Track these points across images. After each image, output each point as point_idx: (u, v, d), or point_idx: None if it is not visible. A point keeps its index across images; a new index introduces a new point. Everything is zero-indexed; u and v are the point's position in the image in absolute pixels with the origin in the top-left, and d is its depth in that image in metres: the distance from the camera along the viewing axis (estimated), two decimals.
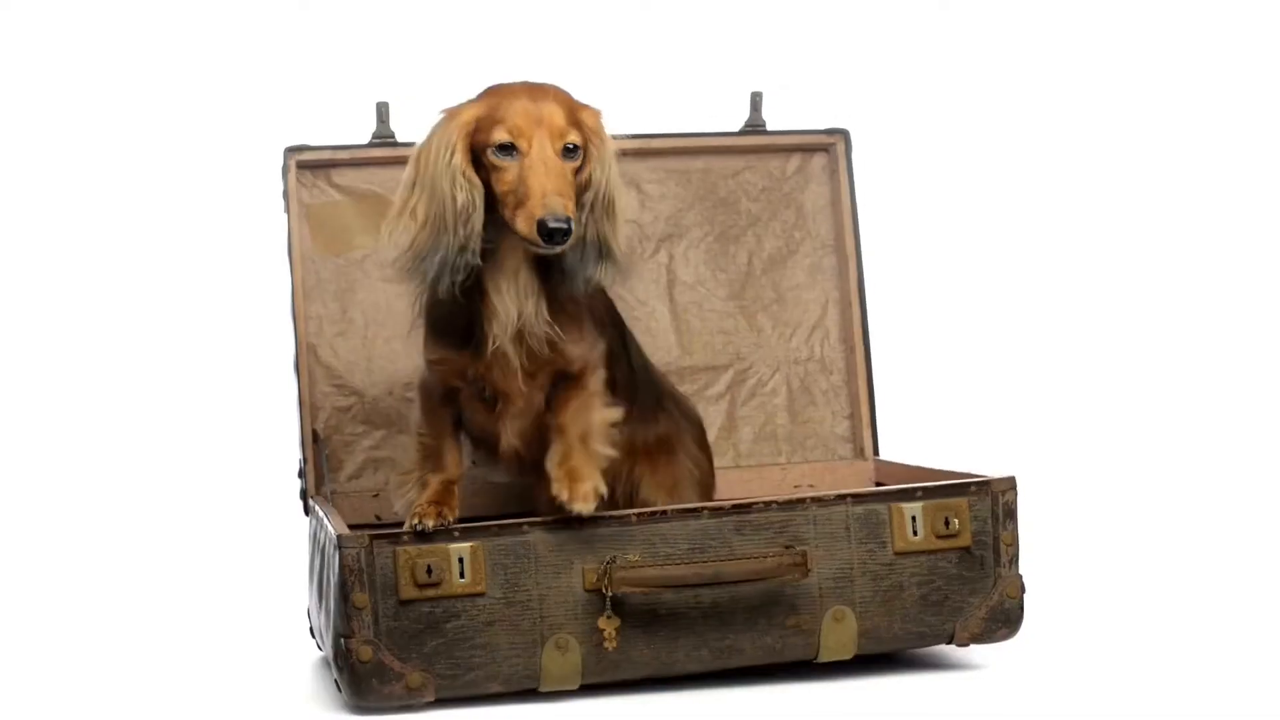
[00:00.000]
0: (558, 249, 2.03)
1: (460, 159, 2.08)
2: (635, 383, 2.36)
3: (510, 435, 2.21)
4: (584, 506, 2.10)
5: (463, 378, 2.19)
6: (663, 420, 2.40)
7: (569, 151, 2.07)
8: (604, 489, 2.13)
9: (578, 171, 2.09)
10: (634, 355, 2.39)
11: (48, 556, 3.12)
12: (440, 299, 2.12)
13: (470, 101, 2.13)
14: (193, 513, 3.23)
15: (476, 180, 2.09)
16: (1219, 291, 3.59)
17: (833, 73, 3.37)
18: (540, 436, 2.20)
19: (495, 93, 2.11)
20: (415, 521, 2.09)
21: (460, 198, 2.07)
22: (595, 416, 2.18)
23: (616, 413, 2.22)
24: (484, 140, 2.08)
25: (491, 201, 2.09)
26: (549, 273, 2.12)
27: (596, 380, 2.20)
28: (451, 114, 2.12)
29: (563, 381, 2.18)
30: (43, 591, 2.93)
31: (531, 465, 2.24)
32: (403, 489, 2.27)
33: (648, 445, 2.37)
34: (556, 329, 2.13)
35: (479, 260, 2.08)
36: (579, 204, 2.09)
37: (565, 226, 2.00)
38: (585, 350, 2.19)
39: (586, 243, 2.10)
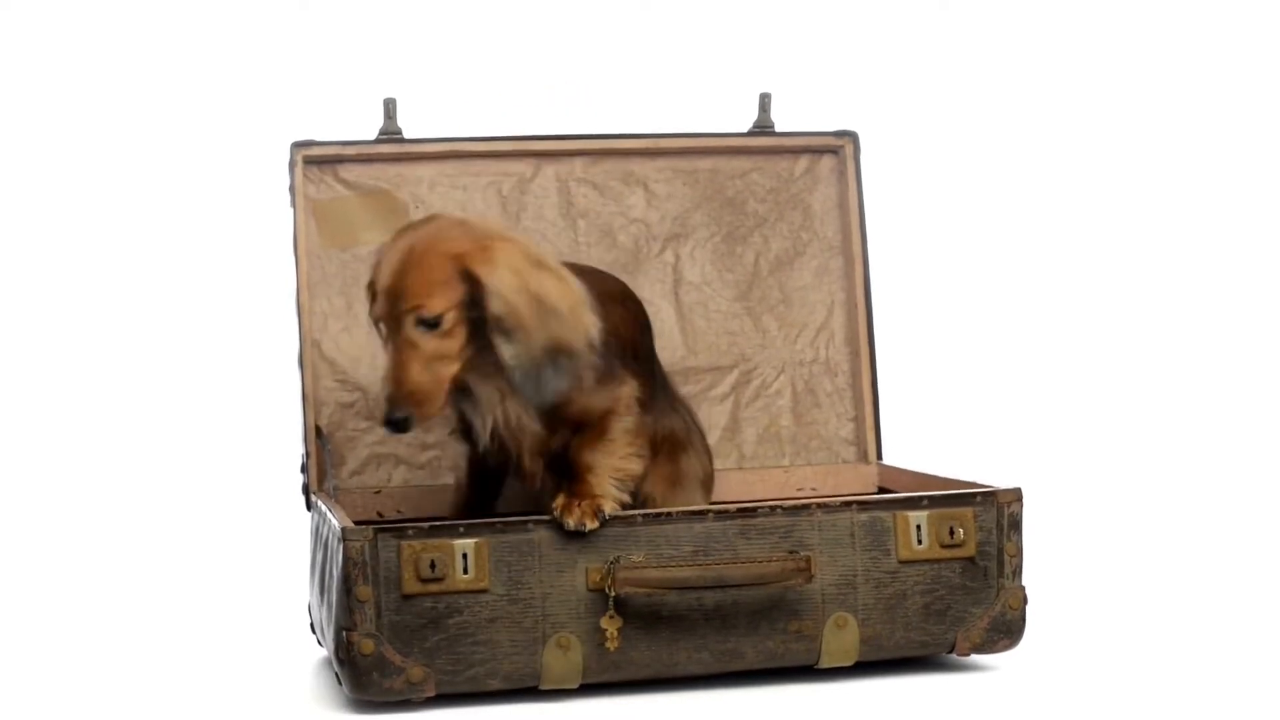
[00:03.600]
0: (404, 434, 2.14)
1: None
2: (654, 386, 2.37)
3: (535, 482, 2.24)
4: (572, 521, 2.11)
5: None
6: (674, 418, 2.41)
7: (428, 324, 2.06)
8: (604, 514, 2.13)
9: (470, 314, 2.08)
10: (657, 363, 2.41)
11: (46, 553, 3.11)
12: None
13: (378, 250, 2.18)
14: (194, 507, 3.23)
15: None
16: (1227, 299, 3.59)
17: (842, 75, 3.37)
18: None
19: (384, 248, 2.14)
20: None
21: None
22: (613, 460, 2.20)
23: (638, 464, 2.24)
24: None
25: None
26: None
27: (620, 427, 2.21)
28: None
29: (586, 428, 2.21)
30: (40, 589, 2.92)
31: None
32: None
33: (656, 438, 2.36)
34: (539, 424, 2.17)
35: None
36: (507, 333, 2.08)
37: (400, 418, 2.05)
38: (605, 400, 2.20)
39: (526, 368, 2.09)
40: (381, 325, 2.11)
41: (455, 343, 2.07)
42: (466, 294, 2.06)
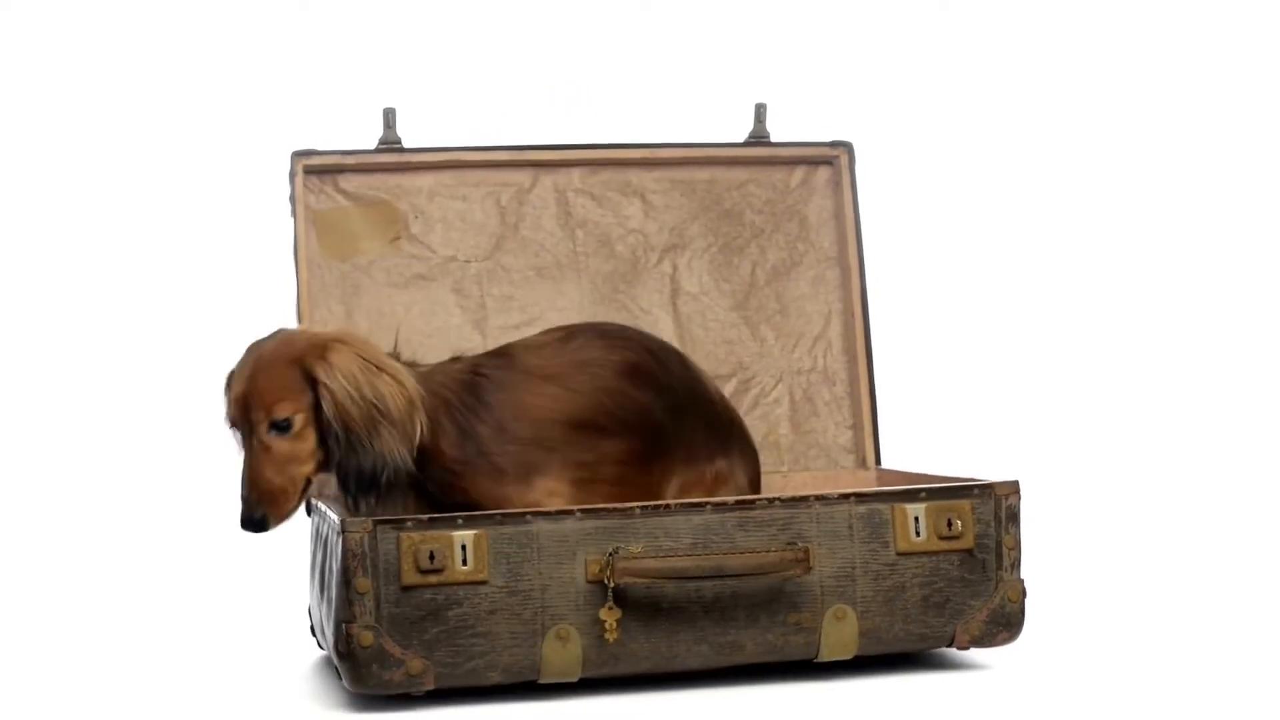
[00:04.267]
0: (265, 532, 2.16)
1: None
2: (684, 421, 2.34)
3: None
4: None
5: None
6: (719, 462, 2.37)
7: (280, 428, 2.13)
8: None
9: (318, 410, 2.13)
10: (678, 378, 2.36)
11: (49, 558, 3.12)
12: None
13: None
14: (196, 511, 3.23)
15: None
16: (1217, 305, 3.61)
17: (837, 85, 3.39)
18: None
19: (239, 359, 2.20)
20: None
21: None
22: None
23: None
24: None
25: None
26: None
27: None
28: None
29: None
30: (42, 593, 2.93)
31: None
32: None
33: (705, 482, 2.35)
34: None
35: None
36: (350, 425, 2.13)
37: (258, 518, 2.12)
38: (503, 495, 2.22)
39: (351, 471, 2.15)
40: (235, 430, 2.18)
41: (306, 445, 2.14)
42: (314, 398, 2.13)
